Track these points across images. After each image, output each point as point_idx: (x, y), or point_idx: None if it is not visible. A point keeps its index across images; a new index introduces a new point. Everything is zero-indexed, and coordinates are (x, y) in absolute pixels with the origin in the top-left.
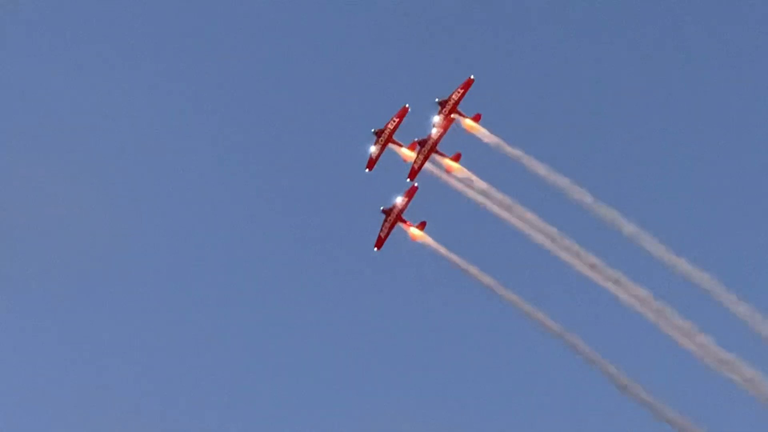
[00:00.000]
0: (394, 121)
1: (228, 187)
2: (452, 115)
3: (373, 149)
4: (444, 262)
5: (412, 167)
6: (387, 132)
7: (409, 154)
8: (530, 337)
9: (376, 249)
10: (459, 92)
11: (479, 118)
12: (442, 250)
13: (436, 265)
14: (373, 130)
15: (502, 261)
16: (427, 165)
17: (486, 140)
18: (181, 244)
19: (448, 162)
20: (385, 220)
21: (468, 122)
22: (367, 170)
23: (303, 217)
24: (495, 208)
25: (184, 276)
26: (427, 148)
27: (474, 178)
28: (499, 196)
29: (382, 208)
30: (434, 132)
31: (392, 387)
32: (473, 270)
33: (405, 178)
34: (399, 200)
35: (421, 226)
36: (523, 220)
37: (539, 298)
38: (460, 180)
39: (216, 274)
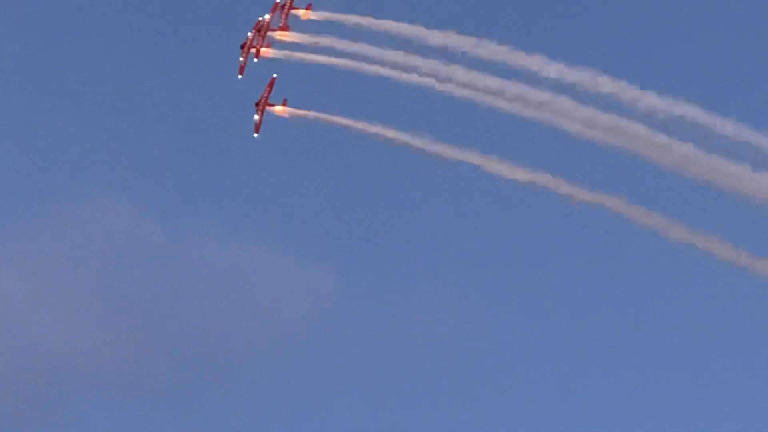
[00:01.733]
0: (267, 90)
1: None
2: None
3: (256, 117)
4: (319, 124)
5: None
6: (263, 100)
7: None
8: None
9: (255, 134)
10: None
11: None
12: (307, 112)
13: (314, 127)
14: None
15: (380, 109)
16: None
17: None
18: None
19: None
20: (258, 111)
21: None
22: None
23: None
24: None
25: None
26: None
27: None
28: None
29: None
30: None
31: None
32: (346, 121)
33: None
34: (264, 92)
35: (284, 103)
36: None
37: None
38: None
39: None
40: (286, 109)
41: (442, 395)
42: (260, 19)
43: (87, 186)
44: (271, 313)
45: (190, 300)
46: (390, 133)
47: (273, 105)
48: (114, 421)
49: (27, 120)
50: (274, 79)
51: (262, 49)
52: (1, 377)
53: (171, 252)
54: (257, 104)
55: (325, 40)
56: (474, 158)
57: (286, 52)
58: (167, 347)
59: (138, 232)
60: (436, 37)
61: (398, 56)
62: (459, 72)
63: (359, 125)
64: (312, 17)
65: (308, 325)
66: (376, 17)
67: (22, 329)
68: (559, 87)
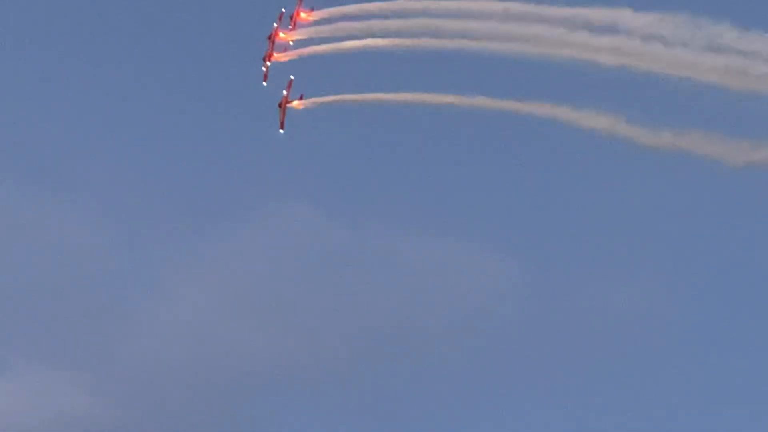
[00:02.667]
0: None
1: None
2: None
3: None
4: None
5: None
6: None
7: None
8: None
9: (281, 130)
10: None
11: None
12: (328, 98)
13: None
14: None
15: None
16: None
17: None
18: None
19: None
20: (280, 110)
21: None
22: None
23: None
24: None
25: None
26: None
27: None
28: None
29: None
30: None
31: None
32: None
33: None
34: (284, 93)
35: (300, 97)
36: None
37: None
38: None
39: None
40: (305, 101)
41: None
42: (275, 25)
43: (272, 196)
44: (462, 306)
45: (384, 300)
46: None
47: (292, 101)
48: (321, 428)
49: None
50: (291, 81)
51: (275, 54)
52: (209, 392)
53: (359, 254)
54: (279, 104)
55: (328, 29)
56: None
57: (298, 51)
58: (365, 349)
59: (325, 237)
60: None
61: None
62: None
63: (419, 97)
64: (314, 17)
65: (495, 313)
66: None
67: (219, 343)
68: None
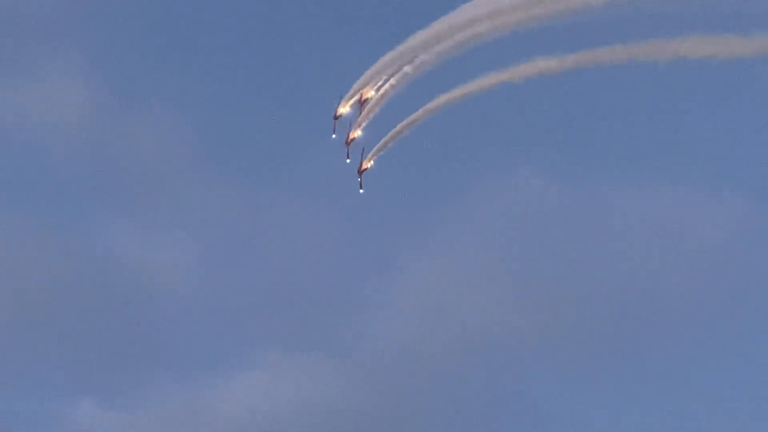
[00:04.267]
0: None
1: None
2: None
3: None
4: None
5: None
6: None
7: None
8: None
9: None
10: None
11: None
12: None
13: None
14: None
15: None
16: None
17: None
18: None
19: None
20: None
21: None
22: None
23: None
24: None
25: None
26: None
27: None
28: None
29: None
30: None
31: None
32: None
33: None
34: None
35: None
36: None
37: None
38: None
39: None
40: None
41: None
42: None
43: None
44: (692, 249)
45: (617, 256)
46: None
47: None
48: (567, 398)
49: None
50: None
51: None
52: (451, 367)
53: (578, 213)
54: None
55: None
56: None
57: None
58: (605, 310)
59: (545, 200)
60: None
61: None
62: None
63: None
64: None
65: (727, 251)
66: None
67: (456, 318)
68: None
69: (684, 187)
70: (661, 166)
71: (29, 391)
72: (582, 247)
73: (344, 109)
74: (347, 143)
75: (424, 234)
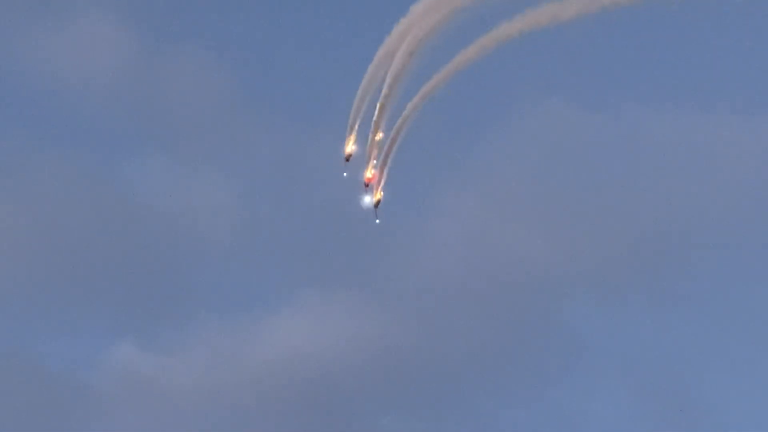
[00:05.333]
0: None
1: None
2: None
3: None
4: None
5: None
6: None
7: None
8: None
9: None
10: None
11: None
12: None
13: None
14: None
15: None
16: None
17: None
18: None
19: None
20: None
21: None
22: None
23: None
24: None
25: None
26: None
27: None
28: None
29: None
30: None
31: None
32: None
33: None
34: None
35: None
36: None
37: None
38: None
39: None
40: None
41: None
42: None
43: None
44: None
45: (646, 185)
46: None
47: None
48: (605, 324)
49: None
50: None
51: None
52: (491, 298)
53: (612, 141)
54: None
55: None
56: None
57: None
58: (637, 241)
59: (578, 129)
60: None
61: None
62: None
63: None
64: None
65: (758, 177)
66: None
67: (494, 251)
68: None
69: (718, 112)
70: (694, 91)
71: (69, 333)
72: (616, 175)
73: (351, 148)
74: (366, 185)
75: (459, 168)
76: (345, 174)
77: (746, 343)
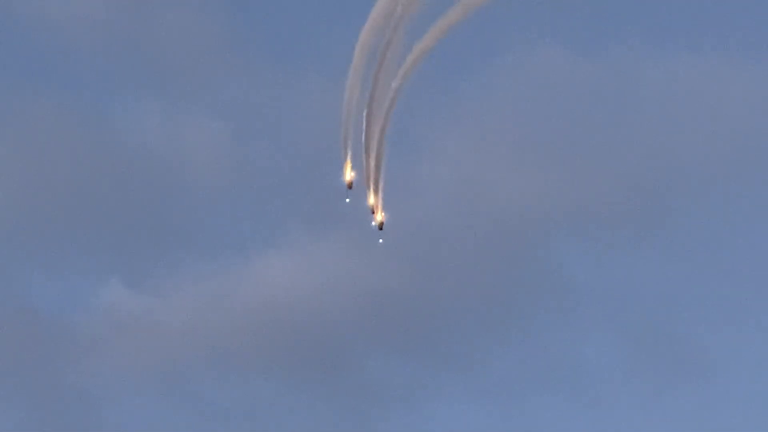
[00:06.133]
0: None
1: None
2: None
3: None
4: None
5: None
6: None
7: None
8: None
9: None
10: None
11: None
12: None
13: None
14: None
15: None
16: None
17: None
18: None
19: None
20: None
21: None
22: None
23: None
24: None
25: None
26: None
27: None
28: None
29: None
30: None
31: None
32: None
33: None
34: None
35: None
36: None
37: None
38: None
39: None
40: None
41: None
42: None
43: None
44: (724, 126)
45: (638, 130)
46: None
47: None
48: (595, 265)
49: None
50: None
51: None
52: (489, 239)
53: (604, 85)
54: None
55: None
56: None
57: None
58: (628, 186)
59: (569, 73)
60: None
61: None
62: None
63: None
64: None
65: (755, 123)
66: None
67: (487, 193)
68: None
69: (714, 56)
70: (690, 35)
71: (57, 274)
72: (608, 120)
73: (350, 175)
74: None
75: (450, 110)
76: (348, 200)
77: (737, 283)
